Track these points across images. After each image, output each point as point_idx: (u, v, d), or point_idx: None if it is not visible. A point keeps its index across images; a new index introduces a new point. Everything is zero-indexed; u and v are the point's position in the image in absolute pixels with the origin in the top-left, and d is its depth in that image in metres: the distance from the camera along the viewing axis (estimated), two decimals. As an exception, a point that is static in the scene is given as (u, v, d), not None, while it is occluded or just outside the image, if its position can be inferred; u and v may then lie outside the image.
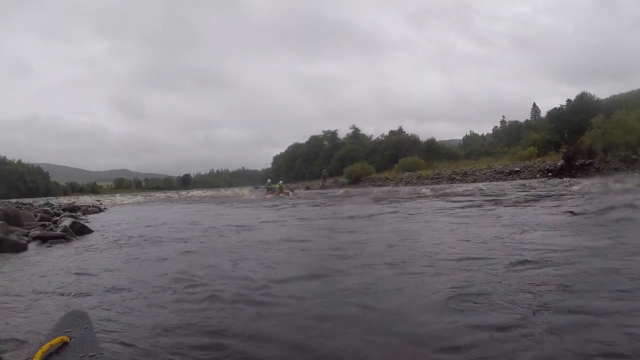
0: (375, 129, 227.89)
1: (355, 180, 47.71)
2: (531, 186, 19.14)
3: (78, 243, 8.17)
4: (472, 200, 13.40)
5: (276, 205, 17.80)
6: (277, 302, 3.55)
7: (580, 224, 7.12)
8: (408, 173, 47.15)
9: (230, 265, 5.19)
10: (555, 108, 55.49)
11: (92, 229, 10.44)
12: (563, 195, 13.20)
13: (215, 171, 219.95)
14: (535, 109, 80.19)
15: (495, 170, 37.08)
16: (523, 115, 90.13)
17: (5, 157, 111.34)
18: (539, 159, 40.03)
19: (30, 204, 27.46)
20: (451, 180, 37.19)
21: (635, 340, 2.38)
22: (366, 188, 35.76)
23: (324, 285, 4.02)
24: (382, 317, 3.06)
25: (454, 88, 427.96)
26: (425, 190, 22.53)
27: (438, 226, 7.94)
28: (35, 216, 12.64)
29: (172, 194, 53.20)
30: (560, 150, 34.15)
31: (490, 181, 31.81)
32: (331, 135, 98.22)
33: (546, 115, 59.75)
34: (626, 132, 30.30)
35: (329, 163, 78.77)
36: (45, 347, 1.78)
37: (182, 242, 7.49)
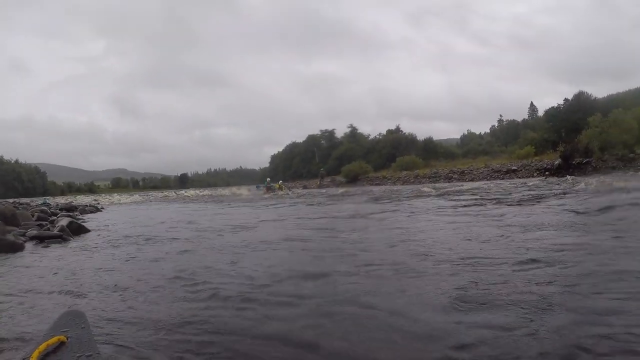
0: (372, 128, 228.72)
1: (353, 179, 47.75)
2: (535, 185, 19.02)
3: (75, 243, 8.17)
4: (475, 199, 13.34)
5: (275, 205, 17.80)
6: (280, 301, 3.54)
7: (584, 222, 7.10)
8: (405, 172, 47.15)
9: (229, 265, 5.18)
10: (552, 107, 55.66)
11: (90, 228, 10.43)
12: (566, 193, 13.14)
13: (212, 170, 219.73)
14: (532, 108, 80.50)
15: (492, 169, 37.09)
16: (520, 114, 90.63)
17: (2, 157, 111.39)
18: (536, 157, 40.06)
19: (28, 204, 27.47)
20: (448, 179, 37.21)
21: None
22: (366, 187, 35.75)
23: (327, 285, 4.01)
24: (386, 316, 3.05)
25: (452, 87, 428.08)
26: (427, 188, 22.44)
27: (441, 225, 7.89)
28: (33, 216, 12.64)
29: (170, 193, 53.07)
30: (557, 149, 34.21)
31: (488, 180, 31.81)
32: (329, 135, 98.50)
33: (543, 114, 59.83)
34: (623, 131, 30.38)
35: (327, 162, 78.80)
36: (42, 346, 1.78)
37: (180, 242, 7.48)
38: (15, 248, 7.18)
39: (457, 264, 4.46)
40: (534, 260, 4.36)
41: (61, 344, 1.86)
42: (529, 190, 15.90)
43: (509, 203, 11.18)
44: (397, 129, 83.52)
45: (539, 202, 11.03)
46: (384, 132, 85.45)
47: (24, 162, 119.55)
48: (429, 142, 73.38)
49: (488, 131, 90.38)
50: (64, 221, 10.11)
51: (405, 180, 41.14)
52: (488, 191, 17.03)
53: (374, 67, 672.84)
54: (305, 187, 44.58)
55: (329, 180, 50.61)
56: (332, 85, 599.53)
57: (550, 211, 8.89)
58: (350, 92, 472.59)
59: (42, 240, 8.14)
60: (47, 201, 32.11)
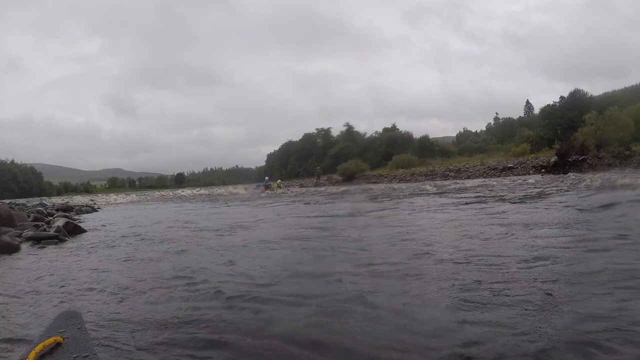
0: (368, 126, 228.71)
1: (349, 178, 47.67)
2: (537, 182, 18.93)
3: (71, 243, 8.18)
4: (476, 197, 13.30)
5: (272, 203, 17.75)
6: (282, 300, 3.55)
7: (589, 219, 7.10)
8: (402, 170, 47.09)
9: (228, 264, 5.19)
10: (548, 105, 55.82)
11: (86, 228, 10.46)
12: (568, 190, 13.11)
13: (209, 169, 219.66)
14: (528, 106, 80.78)
15: (489, 167, 37.08)
16: (516, 112, 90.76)
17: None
18: (532, 155, 40.19)
19: (24, 204, 27.39)
20: (445, 177, 37.16)
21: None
22: (365, 185, 35.62)
23: (330, 284, 4.00)
24: (391, 315, 3.06)
25: (448, 86, 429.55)
26: (428, 186, 22.40)
27: (443, 223, 7.90)
28: (29, 217, 12.60)
29: (167, 192, 52.97)
30: (553, 146, 34.24)
31: (484, 178, 31.79)
32: (324, 133, 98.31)
33: (539, 112, 60.03)
34: (619, 129, 30.54)
35: (323, 160, 78.72)
36: (39, 347, 1.78)
37: (177, 241, 7.48)
38: (11, 249, 7.19)
39: (460, 263, 4.46)
40: (537, 258, 4.37)
41: (57, 344, 1.86)
42: (531, 187, 15.78)
43: (512, 200, 11.14)
44: (393, 127, 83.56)
45: (541, 199, 10.98)
46: (380, 130, 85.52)
47: (19, 163, 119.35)
48: (425, 140, 73.38)
49: (484, 129, 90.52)
50: (60, 222, 10.10)
51: (401, 179, 41.08)
52: (491, 189, 16.91)
53: (370, 65, 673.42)
54: (301, 186, 44.44)
55: (325, 178, 50.45)
56: (328, 84, 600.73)
57: (554, 208, 8.88)
58: (347, 90, 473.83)
59: (38, 241, 8.14)
60: (44, 201, 32.04)
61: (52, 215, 14.82)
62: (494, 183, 21.33)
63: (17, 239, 8.22)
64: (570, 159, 28.54)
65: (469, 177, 34.22)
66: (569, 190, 13.12)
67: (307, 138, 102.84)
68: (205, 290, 3.99)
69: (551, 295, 3.20)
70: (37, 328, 2.99)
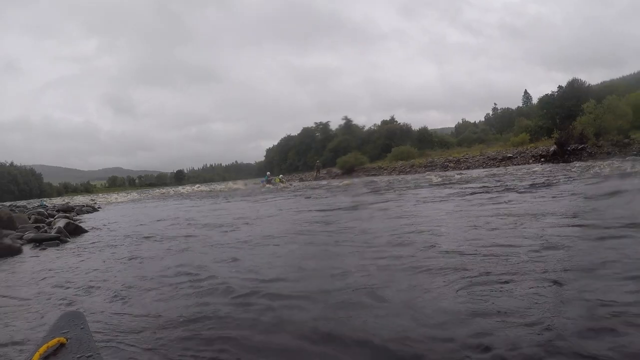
0: (367, 118, 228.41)
1: (349, 171, 47.58)
2: (544, 171, 18.76)
3: (72, 244, 8.17)
4: (482, 187, 13.07)
5: (274, 198, 17.64)
6: (290, 295, 3.53)
7: (597, 208, 7.02)
8: (401, 162, 46.97)
9: (232, 261, 5.17)
10: (546, 94, 55.72)
11: (87, 228, 10.46)
12: (574, 179, 12.91)
13: (208, 166, 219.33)
14: (526, 95, 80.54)
15: (488, 157, 36.98)
16: (515, 102, 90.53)
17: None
18: (531, 145, 40.10)
19: (24, 206, 27.39)
20: (444, 168, 37.06)
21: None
22: (368, 178, 35.54)
23: (336, 278, 3.97)
24: (401, 308, 3.05)
25: (446, 77, 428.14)
26: (434, 177, 22.28)
27: (450, 214, 7.85)
28: (29, 218, 12.60)
29: (167, 189, 52.88)
30: (552, 136, 34.14)
31: (484, 168, 31.77)
32: (323, 127, 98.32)
33: (538, 102, 59.86)
34: (617, 117, 30.44)
35: (322, 154, 78.61)
36: (42, 349, 1.79)
37: (180, 239, 7.45)
38: (12, 251, 7.19)
39: (469, 254, 4.40)
40: (547, 248, 4.33)
41: (61, 345, 1.86)
42: (537, 176, 15.61)
43: (518, 190, 10.99)
44: (392, 120, 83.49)
45: (548, 188, 10.83)
46: (378, 122, 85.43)
47: (19, 165, 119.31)
48: (423, 131, 73.28)
49: (483, 120, 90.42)
50: (61, 222, 10.10)
51: (401, 170, 41.00)
52: (497, 178, 16.62)
53: (368, 58, 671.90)
54: (301, 180, 44.30)
55: (324, 172, 50.37)
56: (326, 78, 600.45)
57: (562, 197, 8.77)
58: (345, 84, 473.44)
59: (39, 242, 8.12)
60: (44, 203, 31.98)
61: (52, 216, 14.79)
62: (500, 172, 21.16)
63: (19, 241, 8.22)
64: (569, 148, 28.45)
65: (468, 168, 34.17)
66: (576, 179, 12.90)
67: (306, 132, 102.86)
68: (210, 287, 3.96)
69: (562, 285, 3.17)
70: (41, 330, 2.98)
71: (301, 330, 2.78)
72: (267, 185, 31.39)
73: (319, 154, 78.77)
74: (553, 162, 26.39)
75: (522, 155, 34.34)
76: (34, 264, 6.35)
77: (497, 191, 11.20)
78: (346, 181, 29.15)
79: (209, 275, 4.44)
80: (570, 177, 13.57)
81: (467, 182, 16.47)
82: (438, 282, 3.55)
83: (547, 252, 4.17)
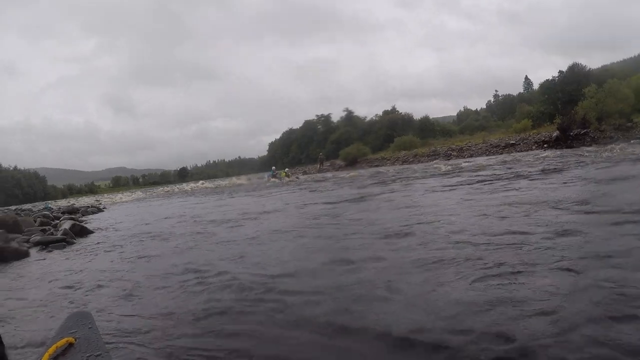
0: (368, 109, 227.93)
1: (352, 162, 47.51)
2: (554, 156, 18.62)
3: (79, 245, 8.17)
4: (491, 174, 12.75)
5: (279, 192, 17.49)
6: (299, 290, 3.52)
7: (611, 193, 6.86)
8: (404, 152, 46.81)
9: (240, 257, 5.14)
10: (547, 80, 55.32)
11: (92, 229, 10.47)
12: (584, 164, 12.68)
13: (211, 162, 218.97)
14: (527, 81, 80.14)
15: (491, 144, 36.83)
16: (516, 88, 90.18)
17: (0, 165, 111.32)
18: (533, 131, 39.88)
19: (30, 210, 27.51)
20: (447, 156, 36.97)
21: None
22: (373, 169, 35.39)
23: (347, 271, 3.93)
24: (415, 299, 3.04)
25: (445, 65, 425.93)
26: (443, 166, 22.11)
27: (461, 203, 7.65)
28: (35, 221, 12.65)
29: (171, 187, 52.84)
30: (554, 121, 34.00)
31: (487, 155, 31.67)
32: (325, 119, 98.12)
33: (539, 88, 59.51)
34: (619, 101, 30.28)
35: (324, 146, 78.46)
36: (52, 349, 1.81)
37: (186, 237, 7.43)
38: (20, 255, 7.21)
39: (481, 243, 4.31)
40: (561, 235, 4.27)
41: (70, 345, 1.89)
42: (546, 162, 15.41)
43: (529, 177, 10.75)
44: (393, 110, 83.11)
45: (559, 174, 10.62)
46: (380, 113, 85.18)
47: (22, 168, 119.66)
48: (425, 120, 72.89)
49: (484, 107, 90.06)
50: (66, 224, 10.12)
51: (404, 160, 40.94)
52: (505, 165, 16.41)
53: (367, 49, 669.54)
54: (305, 173, 44.15)
55: (328, 164, 50.32)
56: (326, 71, 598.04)
57: (575, 183, 8.60)
58: (345, 76, 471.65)
59: (46, 245, 8.14)
60: (49, 205, 32.11)
61: (58, 218, 14.84)
62: (509, 159, 20.90)
63: (25, 244, 8.23)
64: (572, 133, 28.31)
65: (471, 156, 34.06)
66: (587, 164, 12.63)
67: (308, 125, 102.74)
68: (220, 284, 3.94)
69: (578, 273, 3.11)
70: (50, 331, 2.93)
71: (316, 324, 2.76)
72: (272, 180, 31.12)
73: (321, 147, 78.52)
74: (556, 148, 26.27)
75: (525, 141, 34.17)
76: (41, 266, 6.36)
77: (507, 178, 11.03)
78: (352, 173, 28.75)
79: (218, 272, 4.42)
80: (580, 162, 13.30)
81: (476, 170, 16.19)
82: (452, 273, 3.50)
83: (561, 239, 4.11)
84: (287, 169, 37.32)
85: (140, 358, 2.59)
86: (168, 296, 3.83)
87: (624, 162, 11.72)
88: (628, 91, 31.44)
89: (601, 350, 2.07)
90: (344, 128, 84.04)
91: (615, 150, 16.32)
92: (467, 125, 70.02)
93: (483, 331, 2.39)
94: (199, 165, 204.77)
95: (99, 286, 4.54)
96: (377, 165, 40.73)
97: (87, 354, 1.83)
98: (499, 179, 11.08)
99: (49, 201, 57.84)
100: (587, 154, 16.70)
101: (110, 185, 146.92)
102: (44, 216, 14.95)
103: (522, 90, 78.89)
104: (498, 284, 3.09)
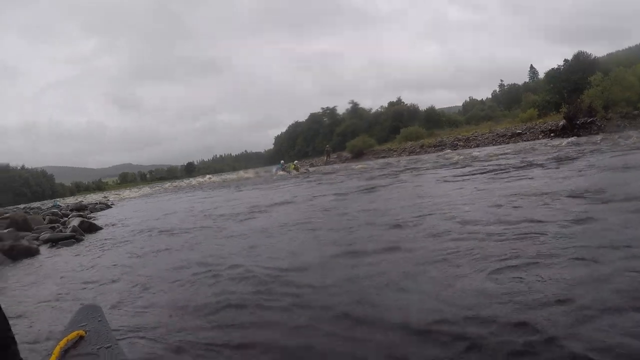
0: (373, 101, 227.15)
1: (358, 154, 47.49)
2: (569, 144, 18.35)
3: (88, 241, 8.23)
4: (503, 164, 12.54)
5: (287, 185, 17.40)
6: (313, 283, 3.48)
7: (627, 181, 6.65)
8: (410, 143, 46.73)
9: (251, 250, 5.12)
10: (552, 69, 54.78)
11: (101, 225, 10.54)
12: (598, 151, 12.48)
13: (218, 156, 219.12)
14: (532, 70, 79.53)
15: (497, 134, 36.71)
16: (521, 78, 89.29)
17: (8, 164, 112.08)
18: (540, 120, 39.66)
19: (39, 208, 27.67)
20: (454, 147, 36.90)
21: None
22: (381, 160, 35.25)
23: (361, 263, 3.89)
24: (433, 289, 3.00)
25: (451, 56, 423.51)
26: (456, 155, 22.00)
27: (475, 193, 7.50)
28: (44, 219, 12.70)
29: (178, 182, 52.87)
30: (560, 110, 33.80)
31: (494, 145, 31.58)
32: (330, 112, 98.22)
33: (544, 77, 58.96)
34: (625, 89, 30.08)
35: (330, 139, 78.35)
36: (63, 342, 1.83)
37: (195, 231, 7.42)
38: (30, 252, 7.26)
39: (496, 234, 4.23)
40: (578, 223, 4.20)
41: (80, 338, 1.92)
42: (558, 151, 15.29)
43: (543, 166, 10.62)
44: (399, 101, 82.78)
45: (573, 162, 10.52)
46: (385, 104, 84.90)
47: (30, 168, 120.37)
48: (431, 111, 72.53)
49: (490, 96, 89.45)
50: (75, 221, 10.20)
51: (411, 151, 40.91)
52: (516, 155, 16.16)
53: (371, 41, 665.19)
54: (312, 165, 44.05)
55: (335, 156, 50.33)
56: (331, 63, 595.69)
57: (589, 171, 8.43)
58: (350, 68, 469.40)
59: (55, 242, 8.19)
60: (57, 203, 32.23)
61: (67, 215, 14.88)
62: (520, 148, 20.67)
63: (35, 242, 8.29)
64: (578, 122, 28.19)
65: (478, 146, 33.98)
66: (602, 151, 12.43)
67: (313, 118, 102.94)
68: (232, 277, 3.92)
69: (597, 262, 3.05)
70: (61, 325, 2.93)
71: (333, 316, 2.75)
72: (280, 173, 30.84)
73: (328, 139, 78.43)
74: (563, 137, 26.11)
75: (532, 130, 34.05)
76: (51, 263, 6.41)
77: (520, 167, 10.91)
78: (361, 165, 28.52)
79: (229, 265, 4.40)
80: (593, 150, 13.12)
81: (488, 159, 16.08)
82: (468, 264, 3.44)
83: (578, 228, 4.04)
84: (296, 162, 37.15)
85: (150, 352, 2.59)
86: (179, 290, 3.83)
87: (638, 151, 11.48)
88: (634, 79, 31.17)
89: (623, 340, 2.04)
90: (350, 120, 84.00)
91: (632, 138, 16.11)
92: (473, 115, 69.71)
93: (503, 322, 2.36)
94: (205, 159, 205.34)
95: (110, 281, 4.55)
96: (383, 157, 40.67)
97: (98, 346, 1.86)
98: (511, 168, 10.95)
99: (57, 199, 58.14)
100: (600, 142, 16.49)
101: (118, 181, 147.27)
102: (53, 214, 15.00)
103: (527, 80, 78.30)
104: (516, 275, 3.04)
